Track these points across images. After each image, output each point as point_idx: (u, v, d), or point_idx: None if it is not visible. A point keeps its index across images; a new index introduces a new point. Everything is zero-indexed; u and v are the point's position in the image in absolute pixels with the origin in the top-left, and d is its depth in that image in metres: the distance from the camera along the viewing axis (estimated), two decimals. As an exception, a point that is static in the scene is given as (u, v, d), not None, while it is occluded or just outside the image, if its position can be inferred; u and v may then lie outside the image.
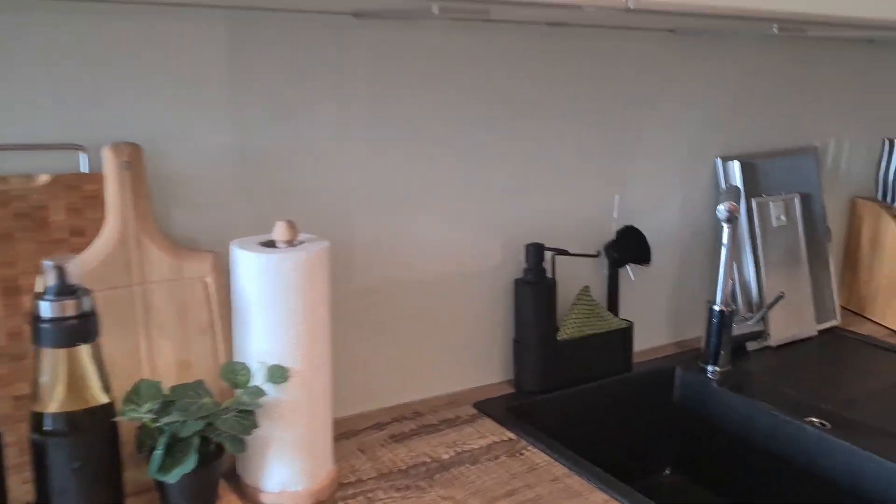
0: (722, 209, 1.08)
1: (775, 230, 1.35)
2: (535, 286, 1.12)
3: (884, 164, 1.49)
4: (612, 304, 1.23)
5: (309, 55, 0.94)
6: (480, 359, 1.16)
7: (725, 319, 1.20)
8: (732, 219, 1.08)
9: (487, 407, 1.10)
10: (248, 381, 0.79)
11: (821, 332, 1.40)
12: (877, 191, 1.52)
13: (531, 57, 1.10)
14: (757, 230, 1.32)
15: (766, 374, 1.24)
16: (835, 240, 1.53)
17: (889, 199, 1.49)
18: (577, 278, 1.21)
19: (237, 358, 0.83)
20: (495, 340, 1.17)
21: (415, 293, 1.08)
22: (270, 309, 0.79)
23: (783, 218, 1.36)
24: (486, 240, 1.12)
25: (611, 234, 1.23)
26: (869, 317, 1.50)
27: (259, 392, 0.78)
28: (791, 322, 1.36)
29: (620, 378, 1.20)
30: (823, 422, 1.08)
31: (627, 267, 1.25)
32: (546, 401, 1.13)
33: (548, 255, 1.14)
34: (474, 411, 1.08)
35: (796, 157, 1.40)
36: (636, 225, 1.23)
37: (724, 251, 1.14)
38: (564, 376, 1.15)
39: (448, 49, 1.03)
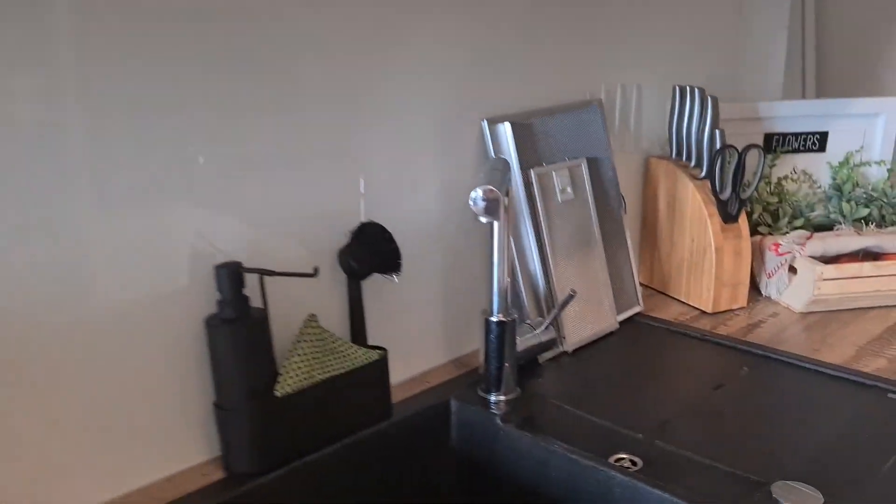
0: (478, 198, 0.77)
1: (561, 206, 1.08)
2: (233, 325, 0.77)
3: (675, 115, 1.28)
4: (358, 331, 0.90)
5: None
6: (170, 435, 0.80)
7: (506, 332, 0.92)
8: (494, 210, 0.78)
9: (176, 513, 0.74)
10: None
11: (623, 324, 1.17)
12: (671, 147, 1.30)
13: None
14: (539, 209, 1.04)
15: (563, 396, 0.97)
16: (631, 209, 1.31)
17: (684, 155, 1.27)
18: (304, 304, 0.87)
19: None
20: (190, 405, 0.81)
21: (59, 345, 0.69)
22: None
23: (570, 190, 1.10)
24: (168, 260, 0.76)
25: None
26: (673, 295, 1.29)
27: None
28: (588, 317, 1.11)
29: (376, 430, 0.89)
30: (634, 459, 0.83)
31: (389, 276, 0.93)
32: (267, 486, 0.79)
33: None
34: (152, 526, 0.72)
35: (579, 113, 1.14)
36: (381, 219, 0.91)
37: (495, 249, 0.85)
38: (293, 444, 0.82)
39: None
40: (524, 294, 1.05)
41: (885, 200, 1.34)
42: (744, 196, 1.20)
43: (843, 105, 1.39)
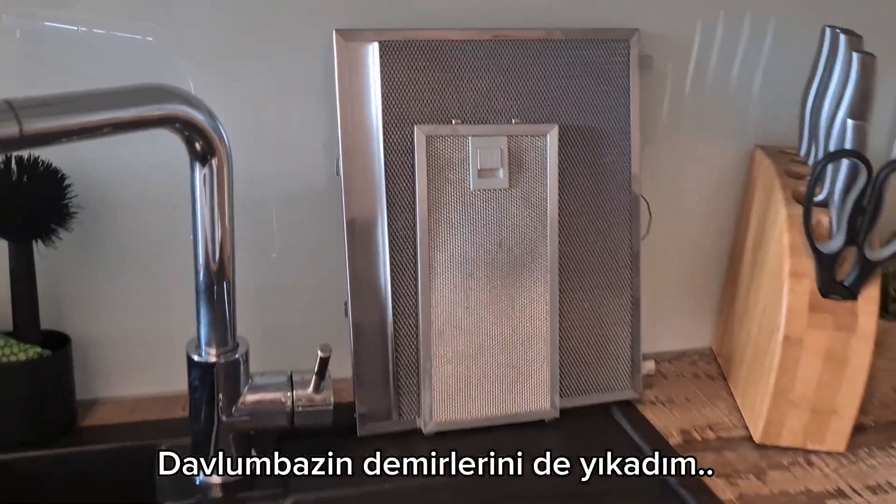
0: None
1: (477, 198, 0.65)
2: None
3: (817, 78, 0.69)
4: (27, 315, 0.62)
5: None
6: None
7: (219, 379, 0.57)
8: None
9: None
10: None
11: (578, 413, 0.70)
12: (800, 133, 0.72)
13: None
14: (418, 194, 0.63)
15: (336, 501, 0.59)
16: (716, 232, 0.77)
17: (813, 152, 0.69)
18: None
19: None
20: None
21: None
22: None
23: (501, 174, 0.65)
24: None
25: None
26: (732, 389, 0.75)
27: None
28: (491, 387, 0.67)
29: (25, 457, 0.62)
30: None
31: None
32: None
33: None
34: None
35: (570, 47, 0.66)
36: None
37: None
38: None
39: None
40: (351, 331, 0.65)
41: None
42: (872, 256, 0.61)
43: None
